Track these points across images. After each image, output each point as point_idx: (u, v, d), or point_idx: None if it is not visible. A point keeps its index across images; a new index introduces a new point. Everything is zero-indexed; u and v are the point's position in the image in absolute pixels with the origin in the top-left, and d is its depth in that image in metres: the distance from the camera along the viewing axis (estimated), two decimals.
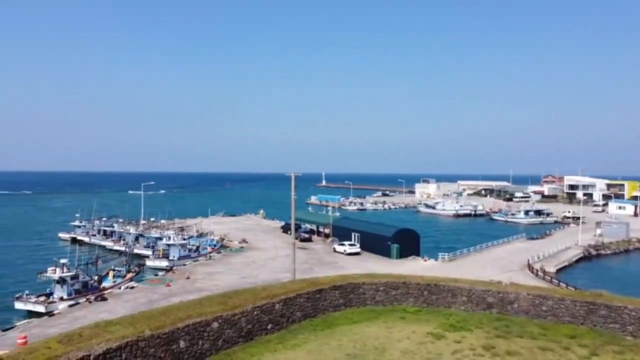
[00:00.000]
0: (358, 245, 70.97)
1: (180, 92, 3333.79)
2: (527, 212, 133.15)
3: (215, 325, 31.74)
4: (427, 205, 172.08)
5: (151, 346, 27.71)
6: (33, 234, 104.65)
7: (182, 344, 29.45)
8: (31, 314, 43.77)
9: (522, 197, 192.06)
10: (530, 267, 60.41)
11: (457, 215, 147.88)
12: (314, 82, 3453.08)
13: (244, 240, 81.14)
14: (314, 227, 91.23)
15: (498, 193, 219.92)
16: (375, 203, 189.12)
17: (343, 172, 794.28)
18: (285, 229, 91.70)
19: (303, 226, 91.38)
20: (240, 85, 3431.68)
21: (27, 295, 45.73)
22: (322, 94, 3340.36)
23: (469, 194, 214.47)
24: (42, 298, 45.49)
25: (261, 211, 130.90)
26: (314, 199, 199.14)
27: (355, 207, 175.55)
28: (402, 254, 66.84)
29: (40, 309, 43.78)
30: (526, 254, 69.31)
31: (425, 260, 65.71)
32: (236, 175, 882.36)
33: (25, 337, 30.65)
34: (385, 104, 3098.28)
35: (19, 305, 45.14)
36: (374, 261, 64.27)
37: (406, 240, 68.71)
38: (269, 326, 35.77)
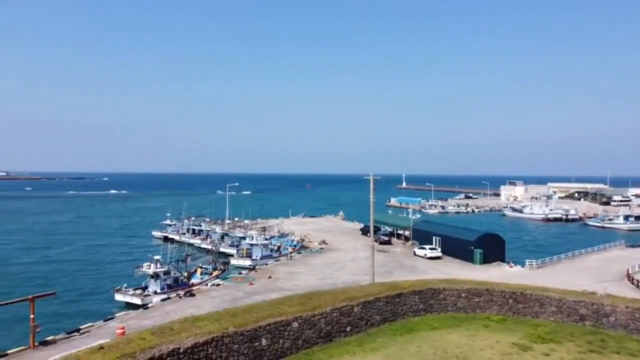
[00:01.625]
0: (439, 250, 69.33)
1: (264, 94, 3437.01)
2: (626, 218, 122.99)
3: (295, 325, 32.50)
4: (513, 209, 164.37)
5: (235, 342, 28.93)
6: (131, 232, 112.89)
7: (263, 341, 30.46)
8: (128, 306, 47.26)
9: (621, 201, 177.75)
10: (629, 277, 55.76)
11: (547, 220, 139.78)
12: (396, 83, 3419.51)
13: (324, 242, 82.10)
14: (393, 230, 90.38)
15: (593, 196, 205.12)
16: (458, 206, 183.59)
17: (424, 174, 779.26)
18: (365, 231, 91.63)
19: (382, 229, 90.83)
20: (324, 86, 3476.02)
21: (125, 288, 49.46)
22: (403, 94, 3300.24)
23: (560, 197, 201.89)
24: (139, 291, 48.97)
25: (341, 213, 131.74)
26: (393, 201, 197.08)
27: (436, 210, 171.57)
28: (486, 260, 64.38)
29: (137, 301, 47.14)
30: (625, 262, 64.05)
31: (511, 267, 62.81)
32: (317, 176, 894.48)
33: (123, 328, 33.11)
34: (472, 103, 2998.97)
35: (118, 296, 48.92)
36: (456, 266, 62.48)
37: (490, 245, 66.09)
38: (348, 328, 36.01)
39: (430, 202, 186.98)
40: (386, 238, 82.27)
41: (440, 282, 45.74)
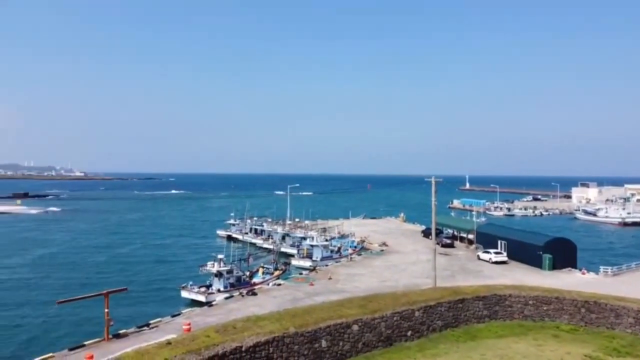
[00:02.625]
0: (505, 254, 66.80)
1: (322, 92, 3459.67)
2: None
3: (355, 328, 32.42)
4: (586, 212, 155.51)
5: (295, 343, 29.26)
6: (196, 230, 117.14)
7: (323, 343, 30.60)
8: (194, 303, 49.01)
9: None
10: None
11: (624, 224, 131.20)
12: (458, 83, 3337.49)
13: (384, 243, 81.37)
14: (456, 233, 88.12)
15: None
16: (525, 208, 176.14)
17: (489, 175, 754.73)
18: (426, 233, 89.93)
19: (445, 231, 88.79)
20: (386, 84, 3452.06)
21: (191, 285, 51.31)
22: (468, 92, 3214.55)
23: (638, 200, 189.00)
24: (203, 289, 50.65)
25: (402, 214, 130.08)
26: (456, 203, 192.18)
27: (501, 213, 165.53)
28: (556, 266, 61.28)
29: (201, 298, 48.76)
30: None
31: (584, 274, 59.45)
32: (377, 177, 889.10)
33: (189, 324, 34.34)
34: (542, 101, 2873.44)
35: (184, 294, 50.84)
36: (523, 272, 59.94)
37: (560, 250, 62.87)
38: (409, 333, 35.49)
39: (495, 204, 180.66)
40: (449, 241, 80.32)
41: (506, 287, 44.10)
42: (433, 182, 47.70)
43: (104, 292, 35.90)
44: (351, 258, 69.00)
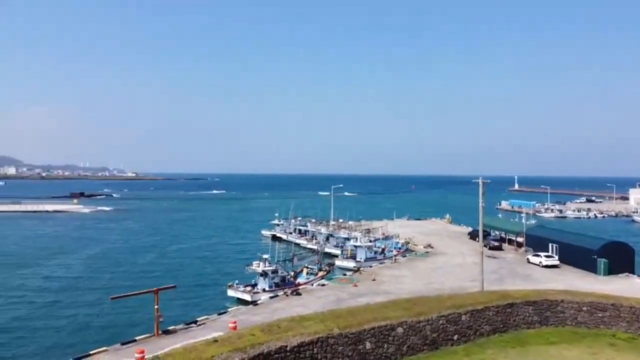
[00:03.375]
0: (556, 257, 64.41)
1: (366, 92, 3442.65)
2: None
3: (400, 330, 32.05)
4: None
5: (339, 344, 29.21)
6: (241, 230, 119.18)
7: (368, 345, 30.42)
8: (239, 301, 49.84)
9: None
10: None
11: None
12: (509, 82, 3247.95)
13: (430, 245, 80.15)
14: (504, 235, 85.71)
15: None
16: (578, 210, 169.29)
17: (539, 175, 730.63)
18: (473, 235, 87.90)
19: (492, 233, 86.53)
20: (428, 86, 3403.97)
21: (237, 284, 52.21)
22: (514, 90, 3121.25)
23: None
24: (249, 288, 51.43)
25: (447, 216, 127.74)
26: (504, 205, 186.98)
27: (552, 215, 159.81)
28: (611, 271, 58.52)
29: (247, 297, 49.52)
30: None
31: None
32: (421, 178, 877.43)
33: (235, 322, 34.93)
34: (597, 98, 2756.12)
35: (230, 292, 51.79)
36: (576, 276, 57.60)
37: (617, 255, 59.99)
38: (455, 337, 34.78)
39: (546, 206, 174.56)
40: (496, 243, 78.20)
41: (558, 293, 42.49)
42: (480, 184, 46.60)
43: (154, 289, 37.03)
44: (395, 259, 68.36)
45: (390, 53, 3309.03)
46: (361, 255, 68.73)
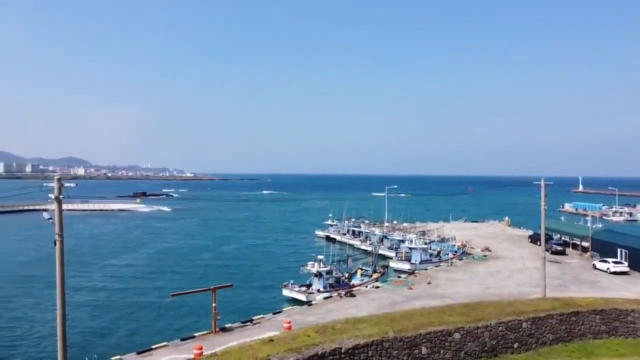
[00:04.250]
0: (626, 264, 60.74)
1: (416, 92, 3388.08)
2: None
3: (457, 336, 31.26)
4: None
5: (394, 348, 28.84)
6: (295, 230, 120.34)
7: (423, 350, 29.86)
8: (294, 301, 50.32)
9: None
10: None
11: None
12: (565, 79, 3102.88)
13: (487, 248, 77.73)
14: (568, 239, 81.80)
15: None
16: None
17: (606, 176, 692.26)
18: (534, 239, 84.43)
19: (555, 237, 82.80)
20: (484, 85, 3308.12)
21: (291, 284, 52.75)
22: (576, 90, 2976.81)
23: None
24: (303, 288, 51.82)
25: (506, 218, 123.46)
26: (568, 207, 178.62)
27: (622, 218, 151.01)
28: None
29: (302, 297, 49.92)
30: None
31: None
32: (479, 178, 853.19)
33: (289, 322, 35.27)
34: None
35: (285, 292, 52.39)
36: None
37: None
38: (515, 345, 33.52)
39: (614, 209, 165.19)
40: (560, 248, 74.75)
41: (628, 302, 40.06)
42: (542, 185, 44.69)
43: (212, 287, 38.02)
44: (451, 262, 66.80)
45: (451, 52, 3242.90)
46: (416, 257, 67.68)
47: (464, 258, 71.76)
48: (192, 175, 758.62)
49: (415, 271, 61.78)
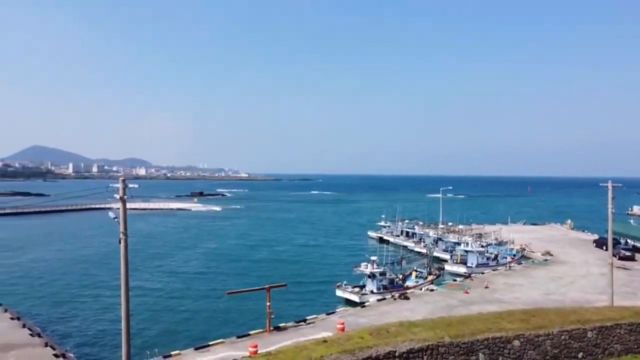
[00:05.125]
0: None
1: (480, 92, 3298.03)
2: None
3: (516, 343, 30.11)
4: None
5: (450, 353, 28.13)
6: (347, 231, 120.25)
7: (481, 356, 28.96)
8: (347, 302, 50.28)
9: None
10: None
11: None
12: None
13: (548, 253, 74.62)
14: (637, 244, 77.18)
15: None
16: None
17: None
18: (600, 243, 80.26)
19: (622, 241, 78.35)
20: (548, 83, 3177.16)
21: (345, 285, 52.70)
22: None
23: None
24: (357, 289, 51.65)
25: (569, 221, 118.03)
26: (637, 210, 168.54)
27: None
28: None
29: (355, 298, 49.78)
30: None
31: None
32: (539, 179, 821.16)
33: (343, 323, 35.25)
34: None
35: (338, 292, 52.40)
36: None
37: None
38: (580, 355, 31.89)
39: None
40: (628, 253, 70.67)
41: None
42: (610, 188, 42.35)
43: (266, 287, 38.63)
44: (510, 267, 64.62)
45: (507, 52, 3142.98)
46: (472, 260, 65.98)
47: (523, 262, 69.31)
48: (247, 175, 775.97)
49: (472, 275, 60.23)
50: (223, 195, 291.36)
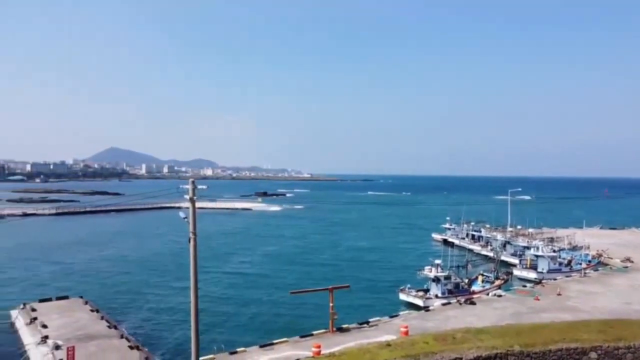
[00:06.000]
0: None
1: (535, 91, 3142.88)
2: None
3: (593, 355, 28.42)
4: None
5: None
6: (411, 232, 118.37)
7: None
8: (410, 306, 49.42)
9: None
10: None
11: None
12: None
13: (629, 259, 69.84)
14: None
15: None
16: None
17: None
18: None
19: None
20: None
21: (408, 288, 51.86)
22: None
23: None
24: (421, 293, 50.66)
25: None
26: None
27: None
28: None
29: (419, 302, 48.85)
30: None
31: None
32: (616, 180, 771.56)
33: (406, 327, 34.68)
34: None
35: (402, 296, 51.62)
36: None
37: None
38: None
39: None
40: None
41: None
42: None
43: (330, 287, 38.76)
44: (585, 273, 61.11)
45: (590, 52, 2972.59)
46: (543, 266, 62.99)
47: (599, 269, 65.44)
48: (309, 175, 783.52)
49: (543, 281, 57.52)
50: (285, 195, 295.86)
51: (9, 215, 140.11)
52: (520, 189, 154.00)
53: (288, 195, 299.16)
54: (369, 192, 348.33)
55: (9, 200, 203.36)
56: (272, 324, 45.05)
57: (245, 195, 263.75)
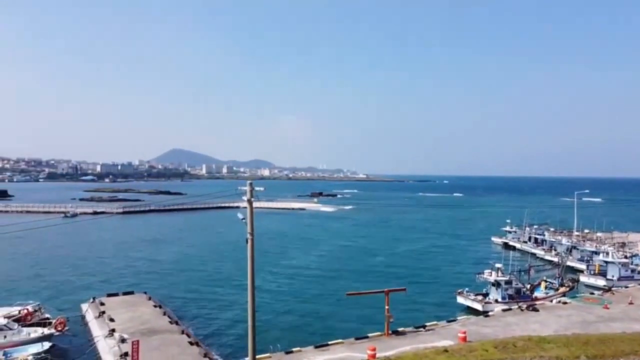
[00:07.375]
0: None
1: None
2: None
3: None
4: None
5: None
6: (471, 235, 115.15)
7: None
8: (469, 310, 48.13)
9: None
10: None
11: None
12: None
13: None
14: None
15: None
16: None
17: None
18: None
19: None
20: None
21: (467, 292, 50.52)
22: None
23: None
24: (480, 297, 49.23)
25: None
26: None
27: None
28: None
29: (478, 307, 47.48)
30: None
31: None
32: None
33: (464, 333, 33.78)
34: None
35: (460, 299, 50.37)
36: None
37: None
38: None
39: None
40: None
41: None
42: None
43: (385, 290, 38.38)
44: None
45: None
46: (613, 272, 59.51)
47: None
48: (365, 176, 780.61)
49: (613, 288, 54.37)
50: (340, 195, 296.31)
51: (81, 213, 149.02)
52: (587, 191, 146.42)
53: (344, 195, 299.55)
54: (427, 194, 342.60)
55: (81, 200, 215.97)
56: (327, 324, 45.16)
57: (302, 195, 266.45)
